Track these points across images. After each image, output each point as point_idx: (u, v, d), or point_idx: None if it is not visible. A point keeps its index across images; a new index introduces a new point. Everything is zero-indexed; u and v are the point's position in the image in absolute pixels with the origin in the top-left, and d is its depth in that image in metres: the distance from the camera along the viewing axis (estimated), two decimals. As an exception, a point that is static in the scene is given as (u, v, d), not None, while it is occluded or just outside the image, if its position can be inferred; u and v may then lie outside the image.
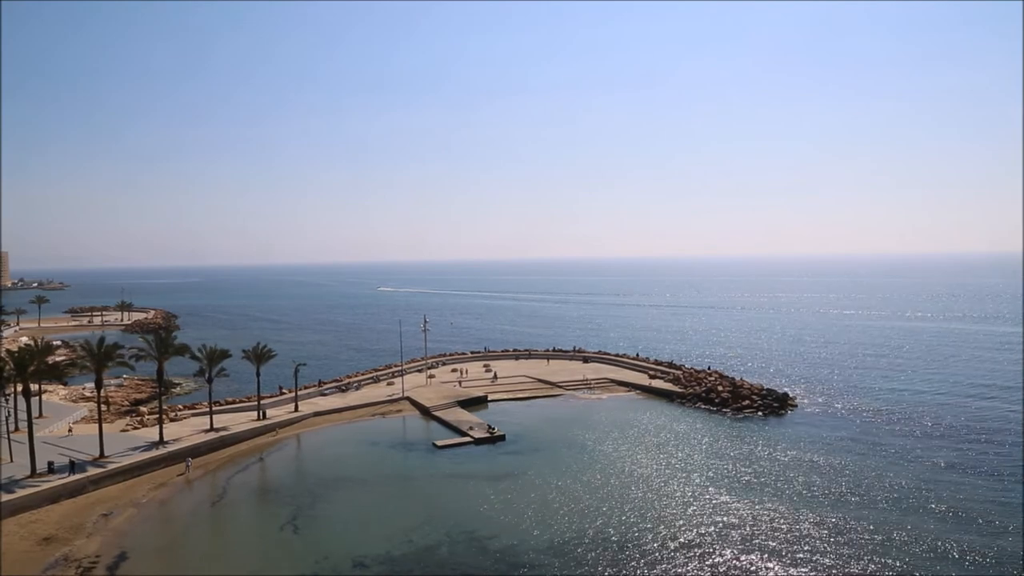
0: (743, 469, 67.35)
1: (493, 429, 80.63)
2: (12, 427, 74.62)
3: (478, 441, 77.96)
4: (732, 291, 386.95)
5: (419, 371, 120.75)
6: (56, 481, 61.44)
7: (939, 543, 49.56)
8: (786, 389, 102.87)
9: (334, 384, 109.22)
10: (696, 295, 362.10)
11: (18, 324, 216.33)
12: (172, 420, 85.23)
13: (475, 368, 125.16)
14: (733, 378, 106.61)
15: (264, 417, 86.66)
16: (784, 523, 53.60)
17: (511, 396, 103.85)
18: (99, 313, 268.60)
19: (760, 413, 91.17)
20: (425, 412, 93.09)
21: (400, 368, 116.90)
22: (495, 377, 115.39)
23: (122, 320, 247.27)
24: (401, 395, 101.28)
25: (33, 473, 62.55)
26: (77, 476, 62.93)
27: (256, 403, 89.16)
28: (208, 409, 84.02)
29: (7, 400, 74.40)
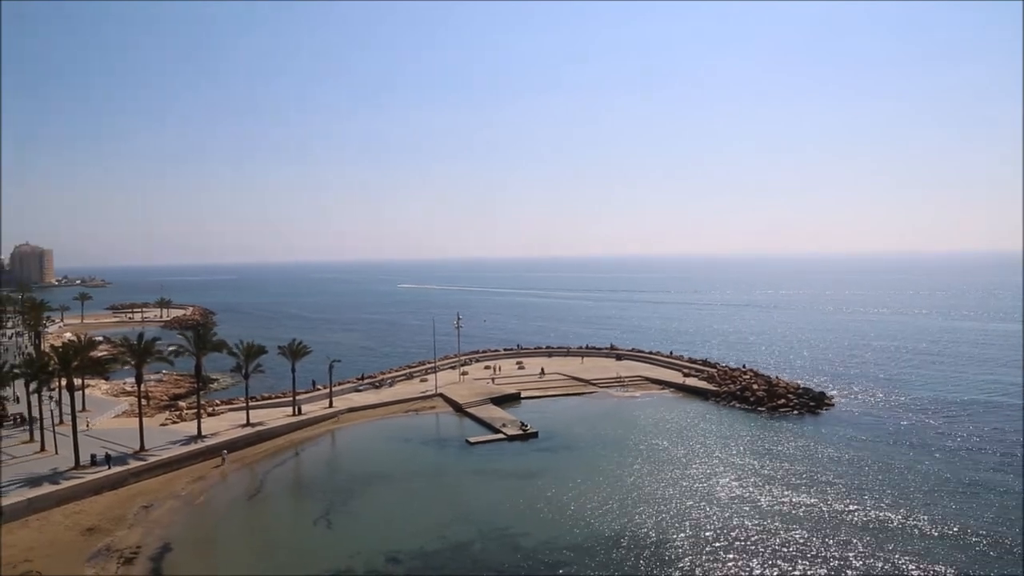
0: (782, 470, 66.05)
1: (526, 426, 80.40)
2: (57, 420, 76.63)
3: (511, 438, 77.85)
4: (755, 290, 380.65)
5: (452, 368, 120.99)
6: (99, 473, 63.01)
7: (982, 559, 47.95)
8: (822, 388, 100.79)
9: (368, 380, 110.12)
10: (724, 293, 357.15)
11: (62, 320, 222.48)
12: (210, 415, 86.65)
13: (508, 365, 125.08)
14: (768, 376, 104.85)
15: (299, 413, 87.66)
16: (826, 527, 52.43)
17: (544, 393, 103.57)
18: (139, 310, 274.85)
19: (796, 412, 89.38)
20: (458, 409, 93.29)
21: (433, 365, 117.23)
22: (542, 373, 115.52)
23: (161, 317, 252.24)
24: (434, 392, 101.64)
25: (77, 465, 64.26)
26: (119, 468, 64.42)
27: (291, 399, 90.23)
28: (245, 404, 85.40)
29: (52, 394, 76.52)
